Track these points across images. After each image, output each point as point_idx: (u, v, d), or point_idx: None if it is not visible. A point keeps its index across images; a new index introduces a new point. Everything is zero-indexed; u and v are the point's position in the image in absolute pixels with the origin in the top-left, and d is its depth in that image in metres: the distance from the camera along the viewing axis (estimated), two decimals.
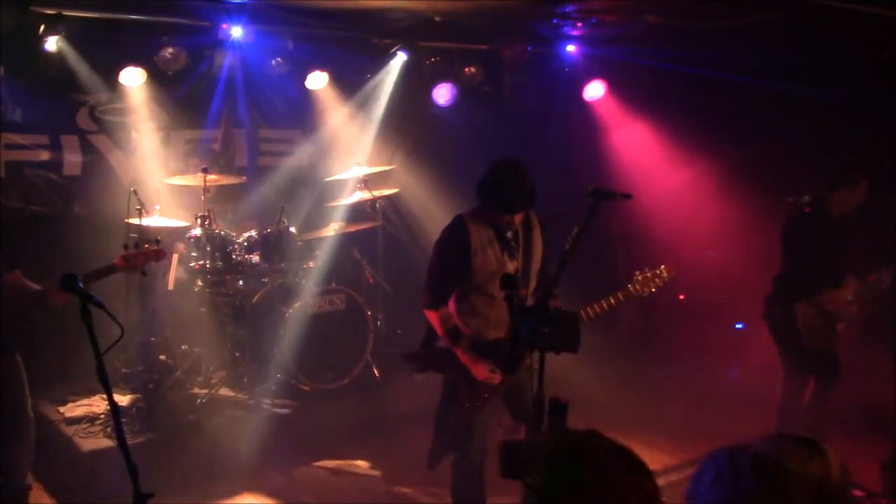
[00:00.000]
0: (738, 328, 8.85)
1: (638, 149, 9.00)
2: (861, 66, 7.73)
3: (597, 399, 6.86)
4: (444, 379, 5.15)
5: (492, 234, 4.88)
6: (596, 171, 8.66)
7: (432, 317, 4.99)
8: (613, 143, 9.19)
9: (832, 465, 2.22)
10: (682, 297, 9.08)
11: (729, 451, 2.26)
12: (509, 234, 4.91)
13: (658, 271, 5.08)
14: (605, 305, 4.92)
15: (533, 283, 5.06)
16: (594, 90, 9.03)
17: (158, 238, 5.42)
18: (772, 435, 2.32)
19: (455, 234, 4.92)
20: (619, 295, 4.98)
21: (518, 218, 4.85)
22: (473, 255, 4.85)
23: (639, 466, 2.20)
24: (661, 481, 2.26)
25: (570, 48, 8.82)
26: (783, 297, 6.41)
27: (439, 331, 4.96)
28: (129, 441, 5.79)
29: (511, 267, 4.88)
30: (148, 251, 5.01)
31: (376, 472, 6.46)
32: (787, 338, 6.42)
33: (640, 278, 5.05)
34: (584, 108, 9.19)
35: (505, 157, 4.86)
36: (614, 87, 9.02)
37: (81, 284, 3.58)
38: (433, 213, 8.46)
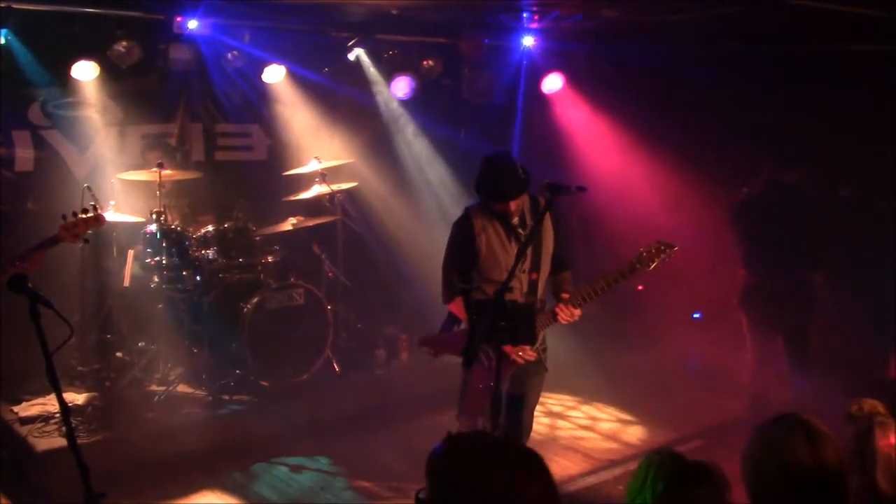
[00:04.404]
0: (696, 318, 8.97)
1: (596, 141, 9.05)
2: (814, 60, 7.85)
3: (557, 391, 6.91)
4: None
5: (495, 221, 4.96)
6: (555, 164, 8.69)
7: (453, 308, 5.08)
8: (572, 135, 9.23)
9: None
10: (640, 287, 9.16)
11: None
12: (515, 221, 4.94)
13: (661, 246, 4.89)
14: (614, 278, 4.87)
15: (546, 269, 5.06)
16: (552, 83, 9.08)
17: (94, 203, 5.41)
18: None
19: (459, 223, 5.07)
20: (625, 268, 4.87)
21: (515, 205, 4.86)
22: (477, 239, 4.93)
23: (530, 471, 2.11)
24: (609, 475, 2.28)
25: (530, 41, 8.85)
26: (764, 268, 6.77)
27: (464, 318, 4.95)
28: (86, 440, 5.85)
29: (514, 252, 4.89)
30: (87, 218, 5.02)
31: (337, 468, 6.44)
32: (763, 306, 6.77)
33: (644, 254, 4.87)
34: (544, 100, 9.23)
35: (496, 149, 5.02)
36: (573, 79, 9.07)
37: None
38: (392, 206, 8.46)
